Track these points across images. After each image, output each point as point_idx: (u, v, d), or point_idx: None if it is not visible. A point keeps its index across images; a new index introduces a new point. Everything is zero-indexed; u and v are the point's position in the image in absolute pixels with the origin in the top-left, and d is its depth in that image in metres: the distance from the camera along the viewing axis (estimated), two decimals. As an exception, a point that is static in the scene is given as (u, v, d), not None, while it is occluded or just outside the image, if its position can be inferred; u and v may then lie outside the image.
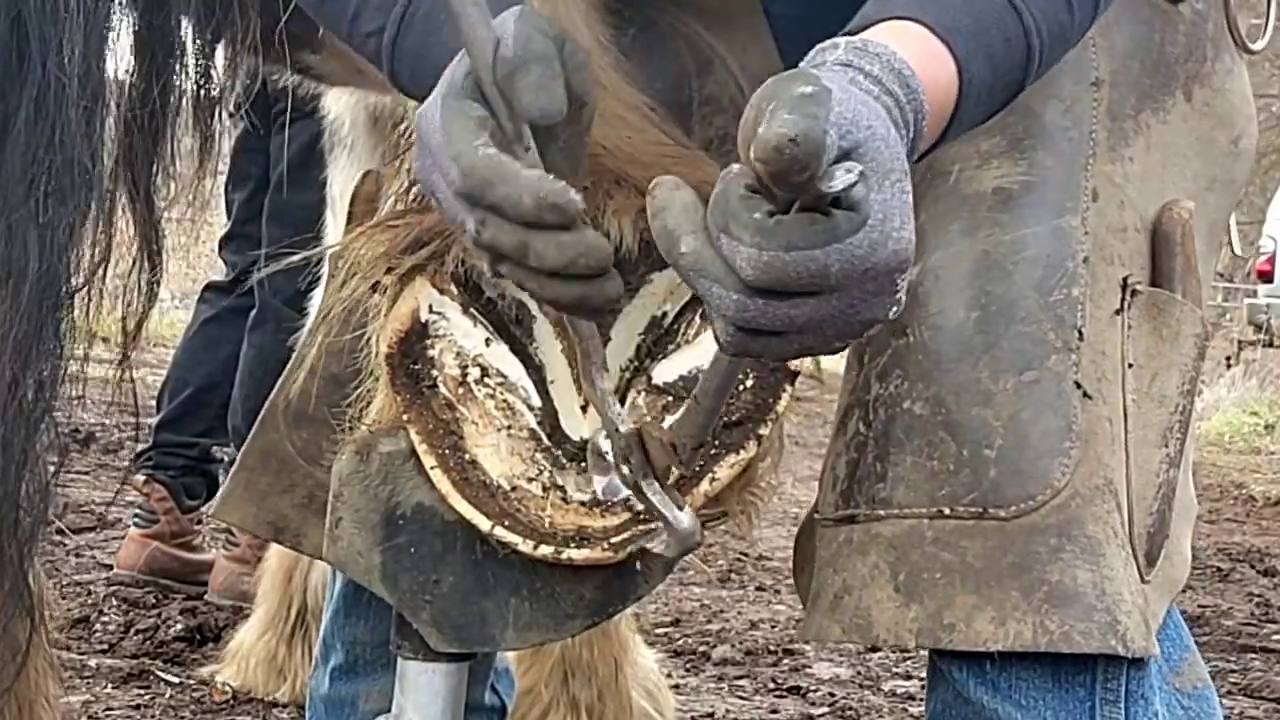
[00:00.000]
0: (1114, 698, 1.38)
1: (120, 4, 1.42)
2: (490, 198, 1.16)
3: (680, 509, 1.29)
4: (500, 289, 1.42)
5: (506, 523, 1.35)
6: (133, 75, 1.45)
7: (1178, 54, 1.50)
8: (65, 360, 1.41)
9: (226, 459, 3.79)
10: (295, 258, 1.53)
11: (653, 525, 1.32)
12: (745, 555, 4.84)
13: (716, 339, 1.14)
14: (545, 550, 1.34)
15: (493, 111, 1.20)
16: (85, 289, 1.42)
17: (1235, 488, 7.96)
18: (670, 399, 1.37)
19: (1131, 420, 1.40)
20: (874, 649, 3.71)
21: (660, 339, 1.41)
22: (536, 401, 1.40)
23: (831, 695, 3.44)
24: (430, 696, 1.44)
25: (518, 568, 1.37)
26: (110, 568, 3.85)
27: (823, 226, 1.05)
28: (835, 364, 1.28)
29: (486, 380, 1.40)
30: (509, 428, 1.39)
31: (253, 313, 3.69)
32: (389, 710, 1.46)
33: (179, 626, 3.46)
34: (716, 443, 1.35)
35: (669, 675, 3.18)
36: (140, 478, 3.80)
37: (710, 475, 1.34)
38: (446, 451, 1.37)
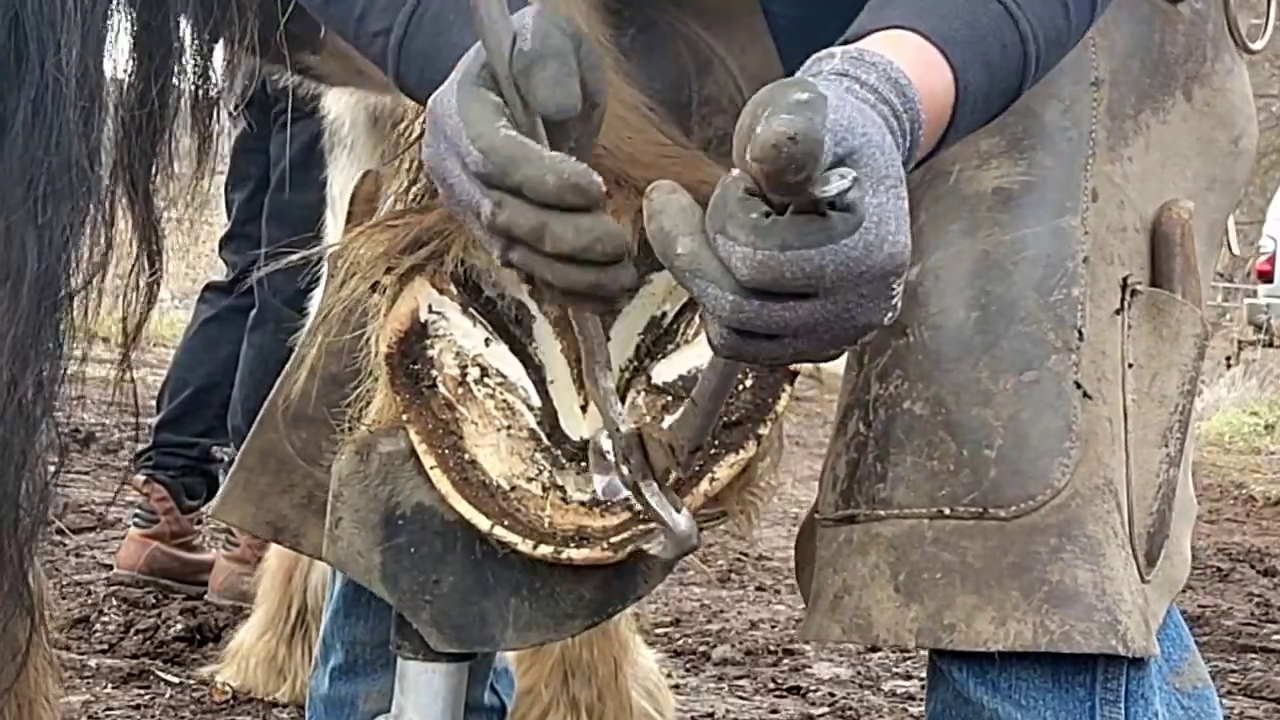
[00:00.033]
0: (1114, 698, 1.38)
1: (118, 4, 1.42)
2: (512, 178, 1.16)
3: (678, 511, 1.29)
4: (500, 289, 1.42)
5: (506, 522, 1.35)
6: (131, 75, 1.45)
7: (1177, 54, 1.50)
8: (65, 360, 1.41)
9: (226, 459, 3.79)
10: (295, 258, 1.53)
11: (651, 526, 1.32)
12: (745, 555, 4.84)
13: (711, 344, 1.14)
14: (545, 550, 1.34)
15: (506, 105, 1.20)
16: (85, 289, 1.42)
17: (1235, 488, 7.96)
18: (669, 399, 1.37)
19: (1131, 420, 1.40)
20: (874, 649, 3.71)
21: (659, 339, 1.41)
22: (536, 401, 1.40)
23: (831, 695, 3.44)
24: (430, 696, 1.44)
25: (517, 568, 1.37)
26: (110, 568, 3.85)
27: (818, 227, 1.05)
28: (835, 364, 1.28)
29: (486, 380, 1.40)
30: (508, 428, 1.39)
31: (253, 313, 3.69)
32: (389, 710, 1.46)
33: (179, 626, 3.46)
34: (716, 443, 1.35)
35: (669, 675, 3.18)
36: (140, 478, 3.80)
37: (710, 475, 1.34)
38: (446, 451, 1.37)
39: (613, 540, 1.34)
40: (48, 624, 1.60)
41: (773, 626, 4.03)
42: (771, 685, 3.52)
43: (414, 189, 1.48)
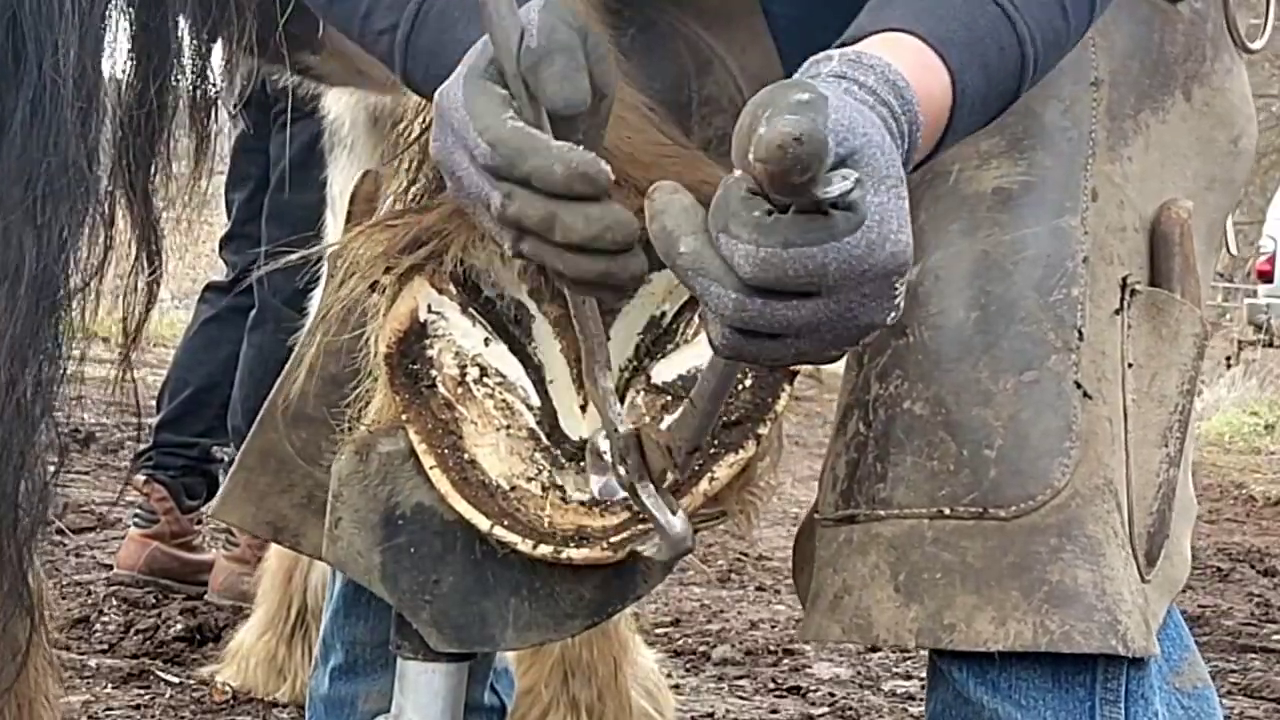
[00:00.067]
0: (1114, 697, 1.38)
1: (117, 5, 1.42)
2: (521, 169, 1.17)
3: (674, 513, 1.29)
4: (499, 289, 1.42)
5: (506, 522, 1.35)
6: (130, 75, 1.45)
7: (1177, 54, 1.50)
8: (63, 360, 1.41)
9: (226, 459, 3.79)
10: (295, 257, 1.53)
11: (649, 527, 1.32)
12: (745, 555, 4.84)
13: (711, 343, 1.14)
14: (544, 550, 1.34)
15: (513, 99, 1.20)
16: (84, 290, 1.42)
17: (1235, 488, 7.96)
18: (669, 399, 1.37)
19: (1131, 420, 1.39)
20: (874, 649, 3.71)
21: (659, 339, 1.41)
22: (535, 401, 1.40)
23: (831, 695, 3.44)
24: (430, 696, 1.44)
25: (517, 567, 1.37)
26: (110, 568, 3.85)
27: (821, 225, 1.05)
28: (835, 364, 1.28)
29: (485, 380, 1.40)
30: (508, 427, 1.39)
31: (253, 313, 3.69)
32: (389, 710, 1.46)
33: (179, 626, 3.46)
34: (716, 443, 1.35)
35: (669, 675, 3.17)
36: (140, 478, 3.80)
37: (709, 475, 1.34)
38: (445, 451, 1.37)
39: (612, 540, 1.34)
40: (47, 624, 1.60)
41: (773, 626, 4.03)
42: (771, 685, 3.52)
43: (413, 189, 1.48)
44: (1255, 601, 4.84)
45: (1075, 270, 1.40)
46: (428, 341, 1.40)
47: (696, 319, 1.38)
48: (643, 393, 1.39)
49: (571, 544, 1.34)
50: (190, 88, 1.49)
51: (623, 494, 1.34)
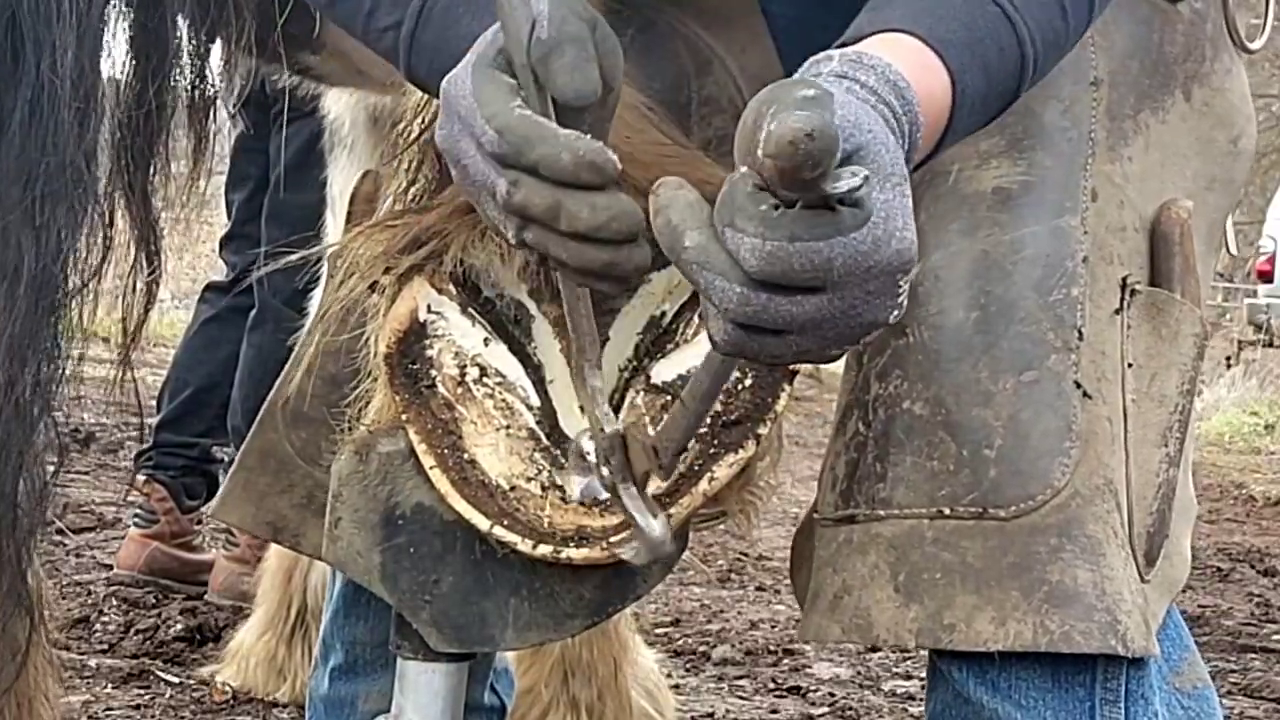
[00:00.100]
0: (1114, 698, 1.38)
1: (115, 5, 1.42)
2: (528, 157, 1.17)
3: (654, 516, 1.29)
4: (499, 289, 1.42)
5: (505, 522, 1.34)
6: (129, 76, 1.45)
7: (1176, 54, 1.50)
8: (62, 360, 1.41)
9: (226, 459, 3.79)
10: (294, 258, 1.53)
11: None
12: (745, 555, 4.84)
13: (712, 338, 1.14)
14: (544, 550, 1.34)
15: (520, 89, 1.20)
16: (82, 290, 1.42)
17: (1235, 488, 7.96)
18: (669, 398, 1.37)
19: (1131, 420, 1.39)
20: (874, 649, 3.71)
21: (659, 338, 1.41)
22: (535, 401, 1.40)
23: (831, 695, 3.44)
24: (430, 696, 1.44)
25: (517, 567, 1.37)
26: (110, 568, 3.85)
27: (828, 220, 1.05)
28: (835, 364, 1.29)
29: (485, 380, 1.40)
30: (508, 427, 1.39)
31: (252, 313, 3.69)
32: (389, 710, 1.46)
33: (179, 626, 3.46)
34: (716, 442, 1.35)
35: (669, 675, 3.17)
36: (140, 478, 3.80)
37: (709, 475, 1.34)
38: (445, 451, 1.37)
39: (612, 540, 1.34)
40: (47, 623, 1.60)
41: (773, 626, 4.03)
42: (771, 685, 3.52)
43: (413, 189, 1.48)
44: (1255, 601, 4.84)
45: (1075, 270, 1.40)
46: (428, 341, 1.40)
47: (696, 319, 1.38)
48: (643, 393, 1.39)
49: (571, 544, 1.34)
50: (189, 88, 1.49)
51: (604, 495, 1.34)
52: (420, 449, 1.37)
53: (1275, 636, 4.34)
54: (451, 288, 1.40)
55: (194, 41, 1.48)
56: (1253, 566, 5.49)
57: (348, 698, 1.66)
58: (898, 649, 3.34)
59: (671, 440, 1.29)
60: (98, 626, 3.47)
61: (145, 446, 3.88)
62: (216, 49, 1.52)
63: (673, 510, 1.34)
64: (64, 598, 3.58)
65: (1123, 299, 1.41)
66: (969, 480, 1.35)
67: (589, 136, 1.18)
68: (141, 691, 3.14)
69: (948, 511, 1.35)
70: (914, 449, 1.37)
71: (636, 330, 1.41)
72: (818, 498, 1.45)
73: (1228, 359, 14.45)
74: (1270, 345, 14.54)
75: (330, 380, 1.53)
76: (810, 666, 3.69)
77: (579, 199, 1.17)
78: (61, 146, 1.34)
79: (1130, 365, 1.40)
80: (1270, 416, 11.22)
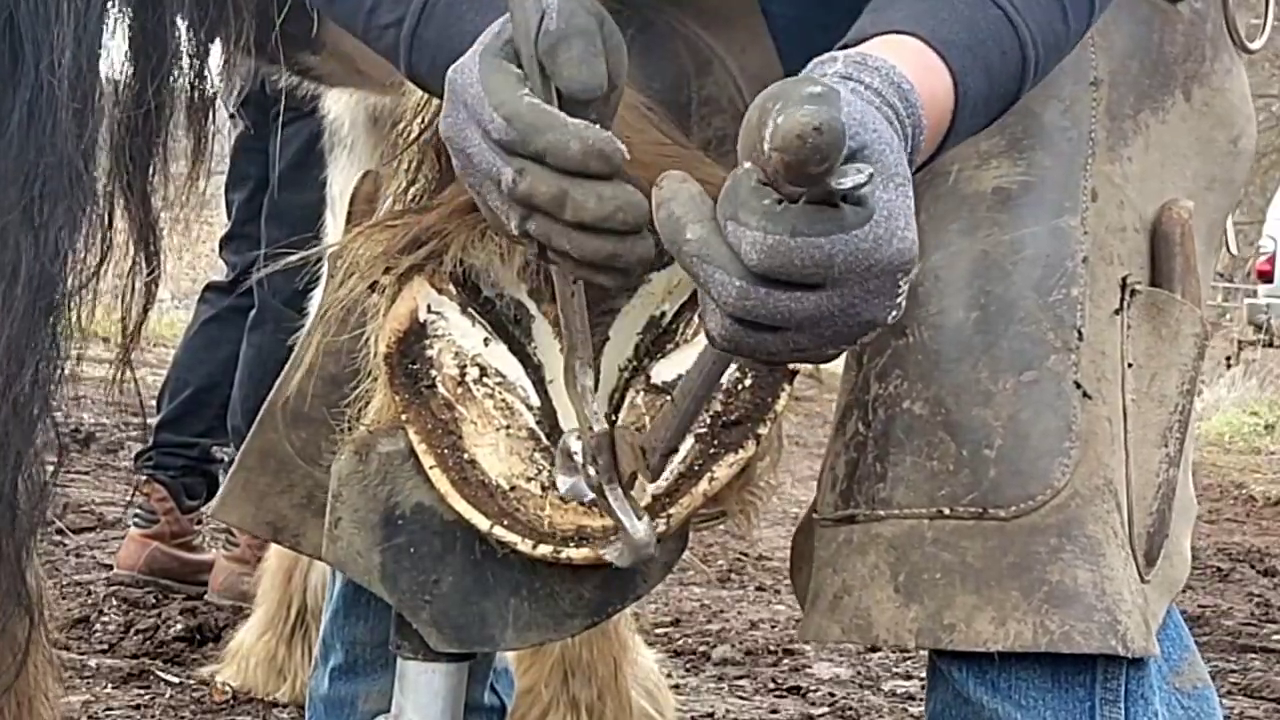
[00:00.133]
0: (1114, 698, 1.38)
1: (114, 5, 1.42)
2: (536, 144, 1.17)
3: (639, 518, 1.29)
4: (499, 289, 1.42)
5: (505, 522, 1.34)
6: (128, 76, 1.45)
7: (1176, 53, 1.50)
8: (61, 361, 1.41)
9: (226, 459, 3.79)
10: (295, 258, 1.53)
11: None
12: (745, 555, 4.84)
13: (709, 334, 1.14)
14: (544, 550, 1.34)
15: (526, 80, 1.20)
16: (81, 290, 1.42)
17: (1235, 488, 7.95)
18: (669, 398, 1.37)
19: (1131, 420, 1.39)
20: (874, 649, 3.71)
21: (659, 338, 1.41)
22: (535, 401, 1.40)
23: (831, 695, 3.44)
24: (430, 696, 1.44)
25: (517, 567, 1.37)
26: (110, 568, 3.85)
27: (830, 217, 1.05)
28: (834, 364, 1.29)
29: (485, 380, 1.40)
30: (508, 427, 1.39)
31: (252, 313, 3.69)
32: (389, 710, 1.46)
33: (179, 626, 3.46)
34: (716, 442, 1.35)
35: (669, 675, 3.17)
36: (140, 478, 3.80)
37: (709, 475, 1.34)
38: (445, 451, 1.37)
39: (612, 539, 1.34)
40: (47, 623, 1.60)
41: (773, 626, 4.03)
42: (771, 685, 3.51)
43: (413, 189, 1.48)
44: (1255, 601, 4.84)
45: (1075, 270, 1.40)
46: (427, 341, 1.40)
47: (697, 319, 1.38)
48: (643, 393, 1.39)
49: (571, 544, 1.34)
50: (188, 88, 1.49)
51: (589, 495, 1.34)
52: (420, 449, 1.37)
53: (1275, 636, 4.33)
54: (451, 288, 1.40)
55: (193, 42, 1.48)
56: (1253, 566, 5.49)
57: (348, 698, 1.66)
58: (898, 649, 3.34)
59: (660, 441, 1.29)
60: (98, 626, 3.47)
61: (145, 446, 3.88)
62: (216, 49, 1.52)
63: (673, 510, 1.34)
64: (64, 598, 3.58)
65: (1123, 299, 1.41)
66: (969, 480, 1.35)
67: (597, 125, 1.18)
68: (141, 691, 3.14)
69: (948, 511, 1.35)
70: (914, 449, 1.37)
71: (636, 330, 1.41)
72: (817, 498, 1.45)
73: (1228, 359, 14.45)
74: (1270, 345, 14.54)
75: (330, 380, 1.53)
76: (810, 666, 3.69)
77: (586, 188, 1.17)
78: (60, 147, 1.34)
79: (1130, 365, 1.40)
80: (1270, 416, 11.21)
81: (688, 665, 3.66)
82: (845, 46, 1.22)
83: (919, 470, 1.37)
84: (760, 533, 4.64)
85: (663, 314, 1.41)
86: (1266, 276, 15.68)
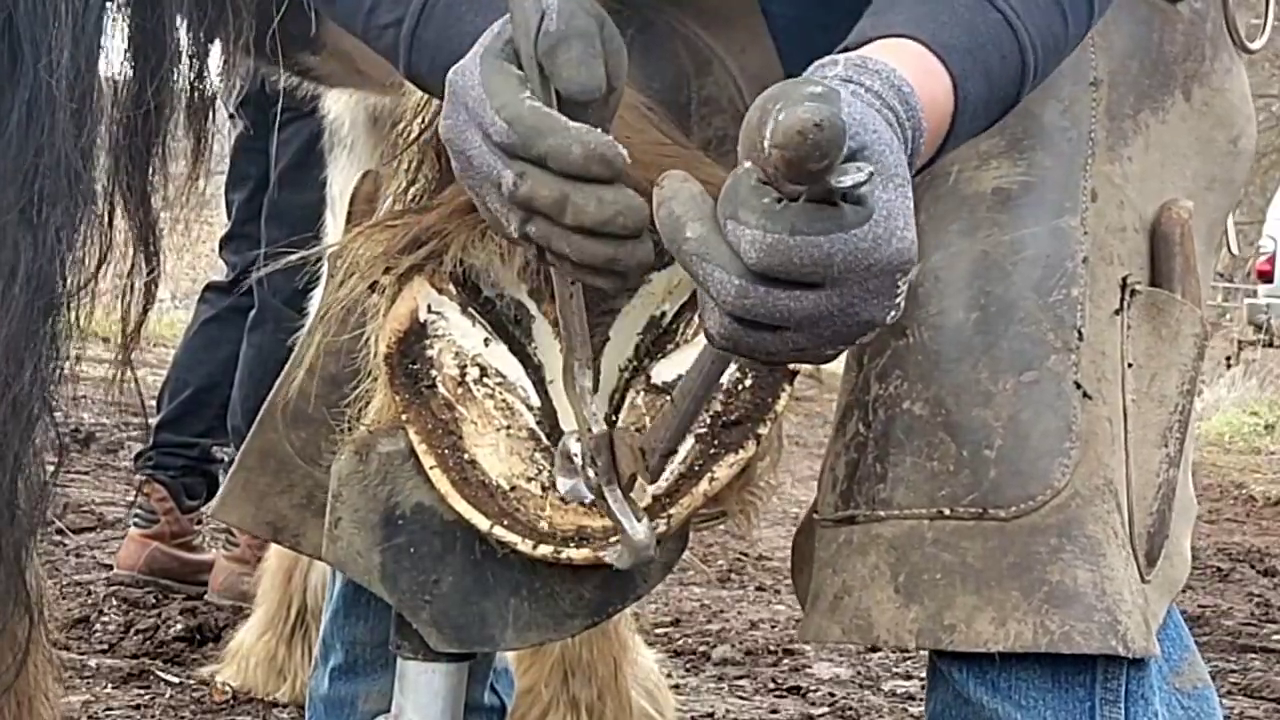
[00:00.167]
0: (1114, 698, 1.38)
1: (113, 6, 1.42)
2: (537, 148, 1.17)
3: (639, 519, 1.29)
4: (499, 289, 1.42)
5: (505, 522, 1.34)
6: (127, 76, 1.45)
7: (1176, 53, 1.50)
8: (60, 361, 1.41)
9: (226, 459, 3.79)
10: (294, 258, 1.53)
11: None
12: (745, 555, 4.84)
13: (708, 333, 1.14)
14: (544, 550, 1.34)
15: (527, 82, 1.20)
16: (80, 290, 1.42)
17: (1235, 488, 7.95)
18: (669, 399, 1.37)
19: (1131, 420, 1.39)
20: (874, 649, 3.70)
21: (659, 338, 1.41)
22: (536, 401, 1.40)
23: (831, 695, 3.44)
24: (430, 696, 1.44)
25: (517, 568, 1.37)
26: (110, 568, 3.85)
27: (829, 215, 1.06)
28: (835, 364, 1.29)
29: (485, 380, 1.40)
30: (508, 427, 1.39)
31: (252, 313, 3.69)
32: (389, 710, 1.46)
33: (179, 626, 3.46)
34: (716, 442, 1.35)
35: (669, 675, 3.17)
36: (140, 478, 3.80)
37: (709, 475, 1.34)
38: (445, 451, 1.37)
39: (612, 540, 1.34)
40: (47, 623, 1.60)
41: (773, 626, 4.03)
42: (771, 685, 3.51)
43: (413, 189, 1.48)
44: (1255, 601, 4.84)
45: (1075, 270, 1.40)
46: (428, 341, 1.40)
47: (697, 319, 1.38)
48: (643, 393, 1.39)
49: (571, 544, 1.34)
50: (188, 88, 1.49)
51: (588, 496, 1.34)
52: (420, 449, 1.37)
53: (1275, 636, 4.33)
54: (452, 288, 1.40)
55: (193, 42, 1.48)
56: (1253, 566, 5.49)
57: (348, 698, 1.66)
58: (898, 649, 3.34)
59: (660, 442, 1.29)
60: (98, 626, 3.47)
61: (145, 446, 3.88)
62: (216, 49, 1.52)
63: (673, 511, 1.34)
64: (64, 598, 3.58)
65: (1123, 299, 1.41)
66: (969, 481, 1.35)
67: (598, 130, 1.18)
68: (141, 691, 3.14)
69: (948, 512, 1.35)
70: (914, 449, 1.37)
71: (637, 330, 1.41)
72: (818, 498, 1.45)
73: (1228, 359, 14.45)
74: (1270, 345, 14.54)
75: (330, 380, 1.53)
76: (810, 666, 3.69)
77: (586, 192, 1.17)
78: (58, 147, 1.34)
79: (1130, 365, 1.40)
80: (1270, 416, 11.21)
81: (688, 665, 3.66)
82: (846, 50, 1.23)
83: (919, 471, 1.37)
84: (760, 533, 4.64)
85: (663, 314, 1.41)
86: (1266, 276, 15.68)
